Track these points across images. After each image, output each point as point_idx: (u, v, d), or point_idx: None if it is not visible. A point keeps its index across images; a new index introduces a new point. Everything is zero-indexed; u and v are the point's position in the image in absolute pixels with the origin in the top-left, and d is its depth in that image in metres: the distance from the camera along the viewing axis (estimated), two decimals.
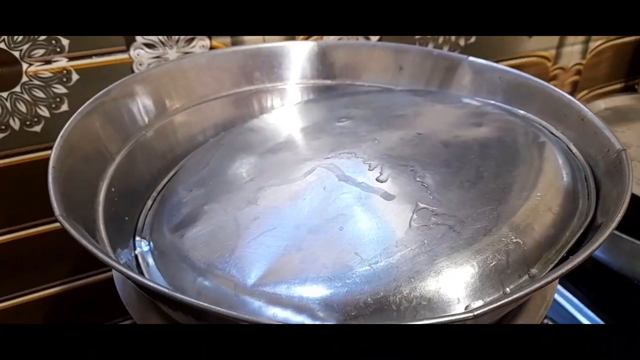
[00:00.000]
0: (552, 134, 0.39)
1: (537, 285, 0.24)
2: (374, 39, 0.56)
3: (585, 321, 0.52)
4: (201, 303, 0.23)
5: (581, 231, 0.30)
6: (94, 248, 0.24)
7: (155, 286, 0.24)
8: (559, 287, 0.55)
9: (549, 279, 0.24)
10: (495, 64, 0.45)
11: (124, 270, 0.24)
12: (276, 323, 0.25)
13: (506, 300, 0.24)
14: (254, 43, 0.50)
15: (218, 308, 0.23)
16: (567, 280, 0.55)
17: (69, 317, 0.55)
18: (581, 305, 0.53)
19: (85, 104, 0.36)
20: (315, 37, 0.53)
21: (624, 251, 0.50)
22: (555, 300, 0.55)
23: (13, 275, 0.51)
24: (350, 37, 0.55)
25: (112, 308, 0.43)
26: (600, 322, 0.51)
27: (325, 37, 0.54)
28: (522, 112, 0.42)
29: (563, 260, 0.29)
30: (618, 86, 0.81)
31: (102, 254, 0.24)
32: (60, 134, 0.33)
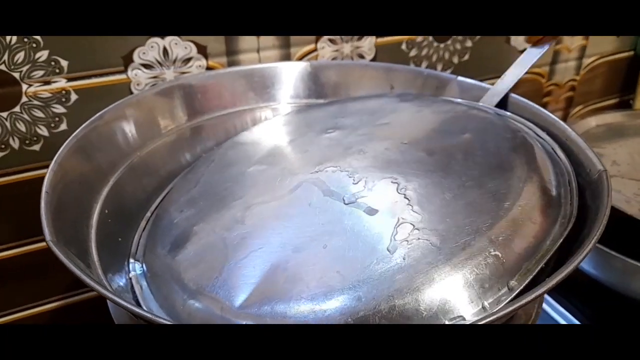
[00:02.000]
0: (538, 135, 0.39)
1: (511, 309, 0.24)
2: (369, 40, 0.57)
3: None
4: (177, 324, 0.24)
5: (561, 240, 0.30)
6: (82, 274, 0.25)
7: (139, 311, 0.24)
8: (553, 302, 0.55)
9: (523, 302, 0.25)
10: (483, 84, 0.45)
11: (110, 295, 0.24)
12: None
13: (480, 323, 0.24)
14: (250, 63, 0.51)
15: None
16: (561, 296, 0.56)
17: None
18: (575, 321, 0.54)
19: (79, 128, 0.37)
20: (312, 39, 0.54)
21: (616, 268, 0.50)
22: (549, 315, 0.55)
23: (14, 289, 0.52)
24: (347, 37, 0.56)
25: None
26: None
27: (319, 41, 0.55)
28: (509, 112, 0.41)
29: (542, 270, 0.29)
30: (612, 102, 0.81)
31: (89, 280, 0.25)
32: (54, 158, 0.34)
